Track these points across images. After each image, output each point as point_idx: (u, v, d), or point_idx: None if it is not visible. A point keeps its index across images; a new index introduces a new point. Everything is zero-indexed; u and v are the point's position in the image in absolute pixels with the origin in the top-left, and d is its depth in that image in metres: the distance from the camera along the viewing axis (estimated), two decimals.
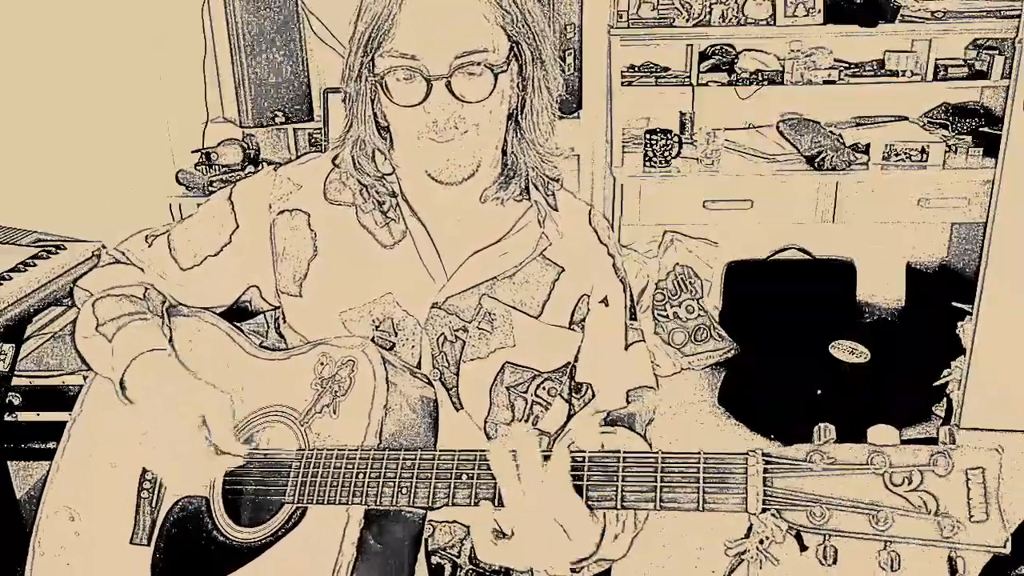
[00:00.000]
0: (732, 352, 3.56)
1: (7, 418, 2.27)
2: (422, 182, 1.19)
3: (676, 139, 3.32)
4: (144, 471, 1.22)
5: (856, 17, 3.24)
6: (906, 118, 3.47)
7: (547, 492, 0.98)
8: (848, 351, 3.26)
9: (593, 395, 1.28)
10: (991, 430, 3.04)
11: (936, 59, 3.32)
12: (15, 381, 2.19)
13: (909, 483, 0.87)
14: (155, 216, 2.99)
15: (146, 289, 1.28)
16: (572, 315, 1.27)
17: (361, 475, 1.07)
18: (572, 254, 1.27)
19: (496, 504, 1.01)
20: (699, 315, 3.56)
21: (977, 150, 3.25)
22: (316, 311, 1.24)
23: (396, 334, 1.22)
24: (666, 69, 3.44)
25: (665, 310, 3.56)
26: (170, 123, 3.11)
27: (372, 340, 1.19)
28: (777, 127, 3.43)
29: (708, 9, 3.29)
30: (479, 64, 1.11)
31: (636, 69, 3.42)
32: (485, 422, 1.25)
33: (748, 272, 3.65)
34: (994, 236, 2.93)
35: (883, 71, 3.35)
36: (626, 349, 1.29)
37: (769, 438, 3.11)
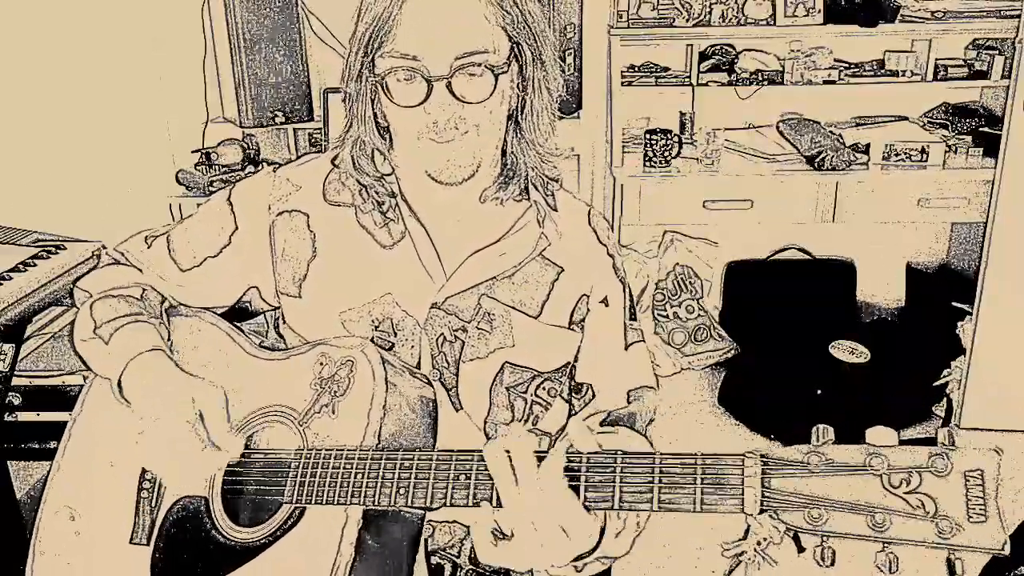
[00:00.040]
0: (732, 352, 3.56)
1: (7, 418, 2.27)
2: (422, 182, 1.19)
3: (676, 139, 3.32)
4: (144, 471, 1.22)
5: (856, 17, 3.24)
6: (906, 118, 3.47)
7: (543, 492, 0.98)
8: (848, 351, 3.26)
9: (593, 395, 1.28)
10: (991, 430, 3.04)
11: (936, 59, 3.32)
12: (15, 381, 2.19)
13: (907, 484, 0.87)
14: (155, 216, 2.99)
15: (144, 290, 1.28)
16: (571, 315, 1.27)
17: (360, 475, 1.07)
18: (571, 254, 1.27)
19: (494, 504, 1.01)
20: (699, 315, 3.56)
21: (977, 150, 3.25)
22: (315, 312, 1.24)
23: (395, 334, 1.22)
24: (666, 69, 3.44)
25: (665, 310, 3.56)
26: (170, 123, 3.11)
27: (371, 340, 1.19)
28: (777, 127, 3.43)
29: (708, 9, 3.29)
30: (480, 65, 1.11)
31: (636, 69, 3.42)
32: (485, 422, 1.26)
33: (748, 272, 3.65)
34: (994, 236, 2.94)
35: (883, 71, 3.35)
36: (626, 349, 1.29)
37: (769, 438, 3.11)
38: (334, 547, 1.06)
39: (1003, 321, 2.98)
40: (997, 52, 3.25)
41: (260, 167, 3.02)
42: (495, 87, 1.12)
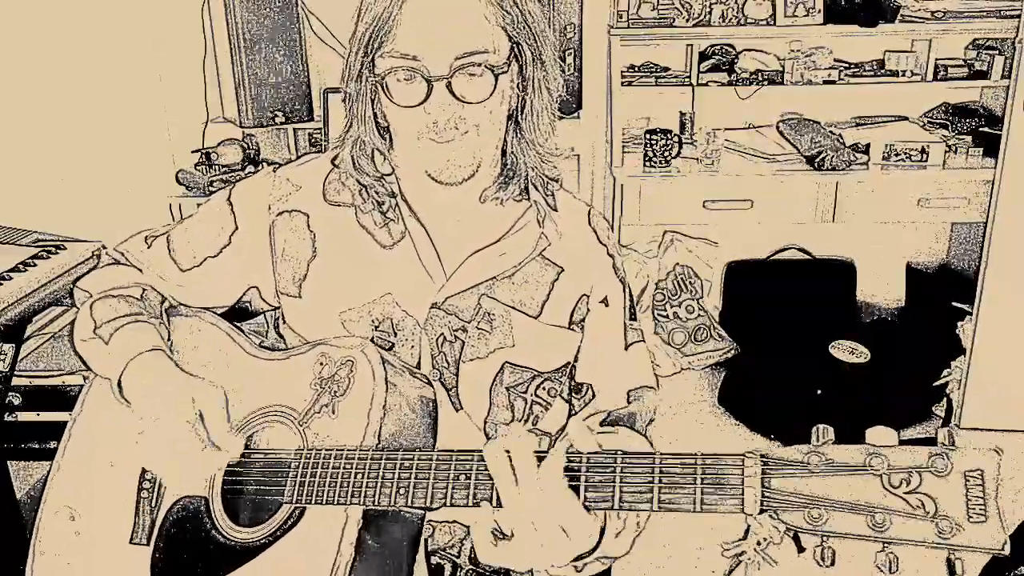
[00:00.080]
0: (732, 352, 3.56)
1: (7, 418, 2.27)
2: (422, 182, 1.19)
3: (676, 139, 3.32)
4: (144, 471, 1.22)
5: (856, 17, 3.24)
6: (906, 118, 3.47)
7: (543, 492, 0.98)
8: (848, 351, 3.26)
9: (593, 395, 1.28)
10: (991, 430, 3.04)
11: (936, 59, 3.32)
12: (15, 381, 2.19)
13: (907, 484, 0.87)
14: (155, 216, 2.99)
15: (144, 290, 1.29)
16: (571, 315, 1.27)
17: (360, 475, 1.07)
18: (571, 254, 1.27)
19: (494, 504, 1.01)
20: (699, 315, 3.56)
21: (977, 150, 3.25)
22: (315, 312, 1.24)
23: (395, 334, 1.22)
24: (666, 69, 3.44)
25: (665, 310, 3.56)
26: (170, 123, 3.11)
27: (371, 340, 1.19)
28: (777, 127, 3.43)
29: (708, 9, 3.29)
30: (480, 65, 1.11)
31: (636, 69, 3.42)
32: (485, 422, 1.26)
33: (748, 272, 3.65)
34: (994, 236, 2.94)
35: (883, 71, 3.35)
36: (626, 349, 1.29)
37: (769, 438, 3.11)
38: (334, 547, 1.06)
39: (1003, 321, 2.98)
40: (997, 52, 3.25)
41: (260, 167, 3.02)
42: (495, 87, 1.12)
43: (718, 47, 3.40)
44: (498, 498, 1.00)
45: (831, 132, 3.34)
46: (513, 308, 1.24)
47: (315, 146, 3.23)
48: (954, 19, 3.23)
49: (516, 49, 1.16)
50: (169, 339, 1.25)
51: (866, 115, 3.48)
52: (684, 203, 3.29)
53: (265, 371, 1.22)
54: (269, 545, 1.11)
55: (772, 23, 3.29)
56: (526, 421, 1.27)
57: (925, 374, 3.22)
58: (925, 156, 3.23)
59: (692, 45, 3.38)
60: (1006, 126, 2.84)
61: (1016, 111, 2.80)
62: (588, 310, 1.27)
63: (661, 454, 0.96)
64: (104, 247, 2.22)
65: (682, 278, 3.57)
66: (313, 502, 1.09)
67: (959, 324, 3.20)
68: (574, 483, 0.98)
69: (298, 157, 1.33)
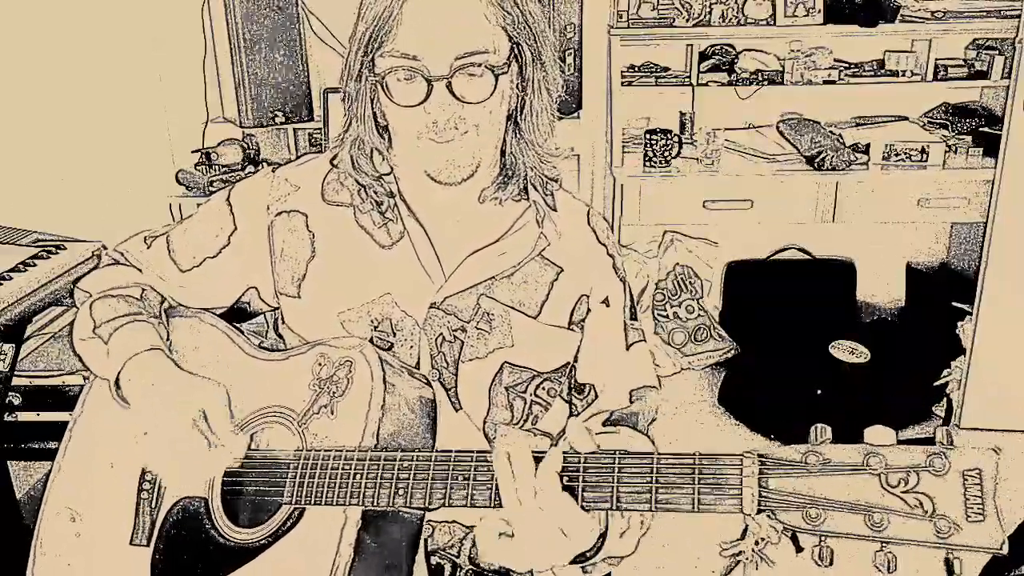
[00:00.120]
0: (732, 352, 3.56)
1: (7, 418, 2.27)
2: (421, 182, 1.19)
3: (676, 139, 3.32)
4: (144, 472, 1.22)
5: (856, 17, 3.24)
6: (906, 118, 3.47)
7: (540, 494, 0.98)
8: (848, 351, 3.26)
9: (596, 396, 1.28)
10: (991, 430, 3.04)
11: (936, 59, 3.32)
12: (15, 381, 2.19)
13: (905, 484, 0.87)
14: (155, 216, 2.99)
15: (144, 290, 1.29)
16: (571, 315, 1.27)
17: (359, 476, 1.07)
18: (571, 254, 1.27)
19: (492, 505, 1.01)
20: (699, 315, 3.56)
21: (977, 150, 3.25)
22: (314, 312, 1.24)
23: (394, 334, 1.22)
24: (666, 69, 3.44)
25: (665, 310, 3.56)
26: (170, 123, 3.11)
27: (370, 341, 1.19)
28: (777, 127, 3.43)
29: (708, 9, 3.29)
30: (480, 65, 1.11)
31: (636, 69, 3.42)
32: (484, 422, 1.26)
33: (748, 272, 3.65)
34: (994, 236, 2.93)
35: (883, 71, 3.35)
36: (627, 349, 1.29)
37: (769, 438, 3.11)
38: (333, 548, 1.06)
39: (1003, 321, 2.98)
40: (997, 52, 3.25)
41: (260, 167, 3.02)
42: (495, 87, 1.13)
43: (718, 47, 3.40)
44: (498, 498, 1.00)
45: (831, 132, 3.34)
46: (512, 308, 1.24)
47: (315, 146, 3.23)
48: (954, 19, 3.23)
49: (516, 49, 1.16)
50: (168, 339, 1.25)
51: (866, 115, 3.47)
52: (684, 203, 3.29)
53: (264, 372, 1.22)
54: (268, 546, 1.11)
55: (772, 23, 3.29)
56: (525, 421, 1.27)
57: (925, 374, 3.22)
58: (925, 156, 3.23)
59: (692, 45, 3.38)
60: (1006, 126, 2.84)
61: (1016, 111, 2.80)
62: (588, 310, 1.27)
63: (659, 454, 0.96)
64: (104, 247, 2.22)
65: (682, 278, 3.57)
66: (312, 503, 1.09)
67: (959, 324, 3.20)
68: (572, 484, 0.98)
69: (298, 157, 1.33)
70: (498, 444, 1.01)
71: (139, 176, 3.04)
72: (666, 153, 3.28)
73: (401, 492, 1.05)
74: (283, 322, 1.30)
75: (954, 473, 0.86)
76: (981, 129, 3.31)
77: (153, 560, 1.18)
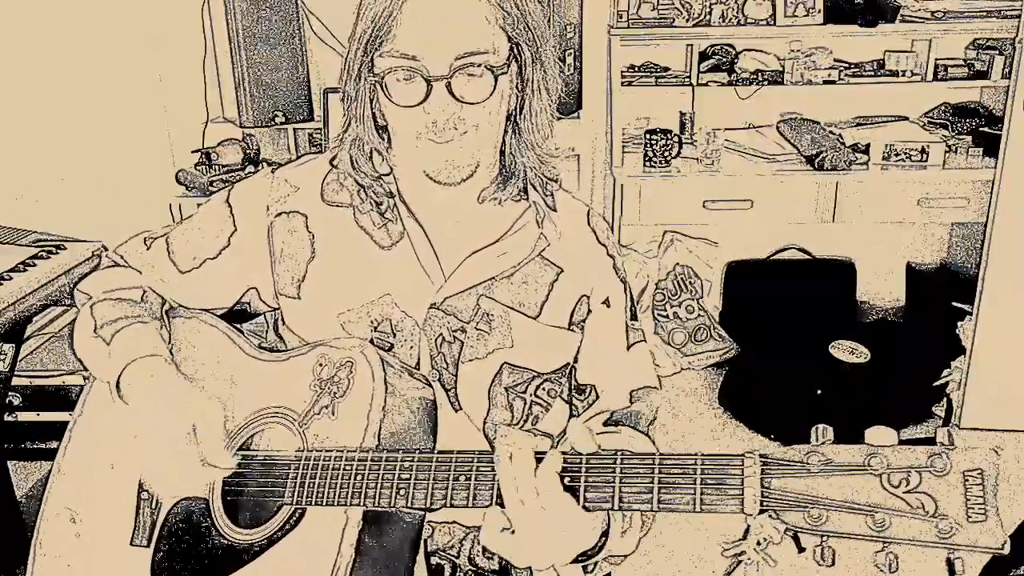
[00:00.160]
0: (732, 352, 3.56)
1: (7, 418, 2.27)
2: (420, 182, 1.19)
3: (676, 139, 3.32)
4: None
5: (856, 17, 3.24)
6: (906, 118, 3.47)
7: (541, 494, 0.98)
8: (848, 351, 3.26)
9: (597, 396, 1.28)
10: (991, 430, 3.04)
11: (936, 59, 3.32)
12: (15, 381, 2.19)
13: (907, 484, 0.87)
14: (155, 216, 2.99)
15: (144, 292, 1.28)
16: (571, 316, 1.27)
17: (359, 476, 1.07)
18: (571, 255, 1.27)
19: (495, 504, 1.01)
20: (699, 315, 3.56)
21: (977, 150, 3.26)
22: (314, 313, 1.24)
23: (394, 335, 1.22)
24: (666, 69, 3.44)
25: (665, 310, 3.56)
26: (170, 123, 3.12)
27: (370, 341, 1.19)
28: (777, 127, 3.43)
29: (708, 9, 3.29)
30: (479, 65, 1.11)
31: (636, 69, 3.42)
32: (484, 423, 1.25)
33: (748, 272, 3.65)
34: (994, 236, 2.94)
35: (883, 71, 3.35)
36: (628, 349, 1.29)
37: (769, 438, 3.11)
38: (334, 548, 1.06)
39: (1003, 321, 2.98)
40: (997, 52, 3.25)
41: (260, 167, 3.02)
42: (495, 87, 1.12)
43: (718, 47, 3.40)
44: (500, 498, 1.00)
45: (831, 132, 3.34)
46: (512, 308, 1.24)
47: (315, 146, 3.23)
48: (954, 19, 3.23)
49: (516, 49, 1.16)
50: (170, 341, 1.25)
51: (866, 115, 3.48)
52: (684, 203, 3.29)
53: (265, 372, 1.22)
54: (269, 546, 1.11)
55: (772, 23, 3.29)
56: (526, 422, 1.27)
57: (925, 374, 3.22)
58: (925, 156, 3.23)
59: (692, 45, 3.38)
60: (1006, 126, 2.84)
61: (1016, 111, 2.80)
62: (589, 311, 1.27)
63: (660, 455, 0.96)
64: (104, 247, 2.22)
65: (682, 278, 3.57)
66: (313, 503, 1.09)
67: (959, 324, 3.20)
68: (574, 484, 0.98)
69: (298, 157, 1.33)
70: (500, 445, 1.01)
71: (139, 176, 3.04)
72: (666, 153, 3.28)
73: (402, 492, 1.05)
74: (283, 323, 1.30)
75: (955, 473, 0.86)
76: (981, 129, 3.31)
77: (153, 561, 1.18)
